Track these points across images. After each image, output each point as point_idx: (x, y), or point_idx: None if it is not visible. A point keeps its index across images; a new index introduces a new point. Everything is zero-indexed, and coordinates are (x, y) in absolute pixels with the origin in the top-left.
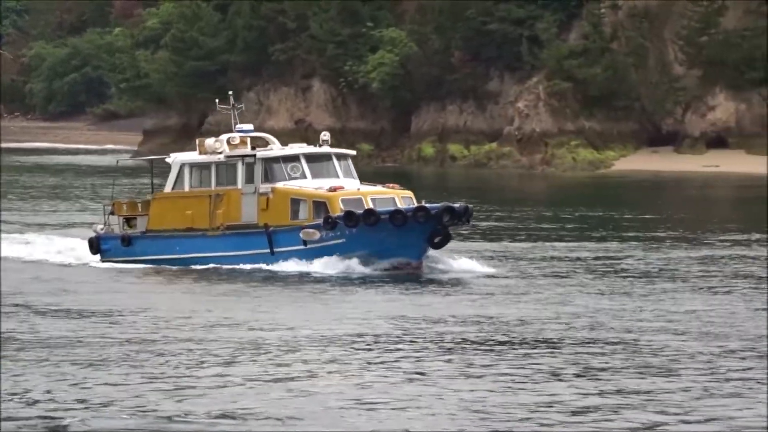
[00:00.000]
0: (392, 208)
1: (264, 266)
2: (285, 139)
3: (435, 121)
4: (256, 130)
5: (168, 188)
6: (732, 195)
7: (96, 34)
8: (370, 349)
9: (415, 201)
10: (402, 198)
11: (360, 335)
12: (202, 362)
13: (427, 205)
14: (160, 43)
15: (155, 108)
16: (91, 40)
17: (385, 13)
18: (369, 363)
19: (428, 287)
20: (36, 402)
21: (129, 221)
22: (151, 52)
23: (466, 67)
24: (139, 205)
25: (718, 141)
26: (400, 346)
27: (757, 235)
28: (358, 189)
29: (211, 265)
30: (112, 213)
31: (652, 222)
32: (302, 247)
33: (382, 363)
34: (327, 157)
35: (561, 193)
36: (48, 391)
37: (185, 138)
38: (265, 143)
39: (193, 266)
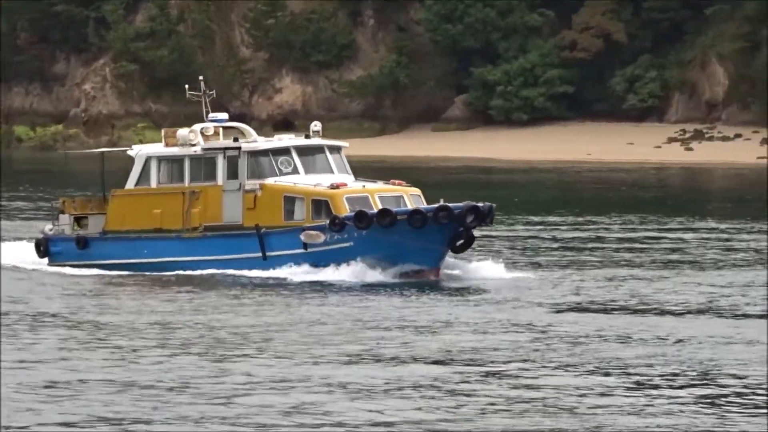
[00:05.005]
0: (410, 208)
1: (255, 272)
2: None
3: (1, 103)
4: None
5: (130, 184)
6: None
7: None
8: None
9: (423, 199)
10: (411, 196)
11: None
12: None
13: (449, 204)
14: None
15: None
16: None
17: None
18: None
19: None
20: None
21: (79, 221)
22: None
23: (32, 48)
24: (91, 202)
25: (284, 123)
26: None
27: None
28: (364, 186)
29: (189, 271)
30: (61, 211)
31: None
32: (301, 251)
33: None
34: (319, 149)
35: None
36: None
37: None
38: (241, 134)
39: (165, 272)
